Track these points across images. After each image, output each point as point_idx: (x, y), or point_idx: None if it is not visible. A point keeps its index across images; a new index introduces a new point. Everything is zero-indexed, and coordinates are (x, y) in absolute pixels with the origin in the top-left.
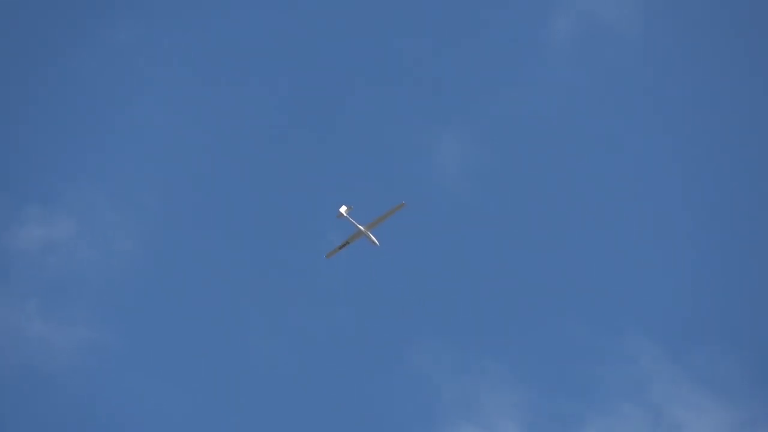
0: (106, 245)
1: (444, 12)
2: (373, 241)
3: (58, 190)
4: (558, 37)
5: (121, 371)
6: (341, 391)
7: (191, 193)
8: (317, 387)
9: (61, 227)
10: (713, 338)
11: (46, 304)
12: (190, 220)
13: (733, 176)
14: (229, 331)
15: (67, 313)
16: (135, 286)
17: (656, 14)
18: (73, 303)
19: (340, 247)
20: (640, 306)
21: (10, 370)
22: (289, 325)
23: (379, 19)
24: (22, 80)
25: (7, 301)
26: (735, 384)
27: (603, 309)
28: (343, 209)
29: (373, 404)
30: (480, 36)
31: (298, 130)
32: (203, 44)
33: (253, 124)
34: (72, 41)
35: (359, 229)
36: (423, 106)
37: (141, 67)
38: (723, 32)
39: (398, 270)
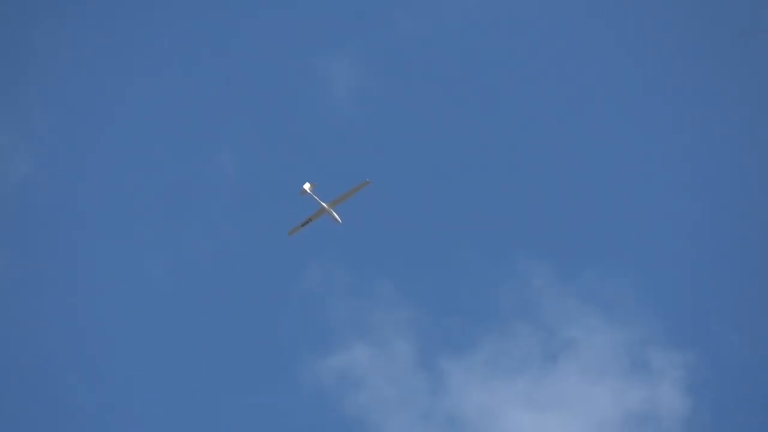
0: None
1: None
2: (336, 219)
3: None
4: None
5: (12, 296)
6: (233, 312)
7: (83, 114)
8: (210, 307)
9: None
10: (604, 259)
11: None
12: (86, 144)
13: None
14: (123, 254)
15: None
16: (29, 211)
17: None
18: None
19: (303, 225)
20: (531, 227)
21: None
22: (180, 243)
23: None
24: None
25: None
26: (626, 304)
27: (495, 231)
28: (306, 186)
29: (266, 325)
30: None
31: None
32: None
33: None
34: None
35: (322, 207)
36: (314, 30)
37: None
38: None
39: (291, 191)
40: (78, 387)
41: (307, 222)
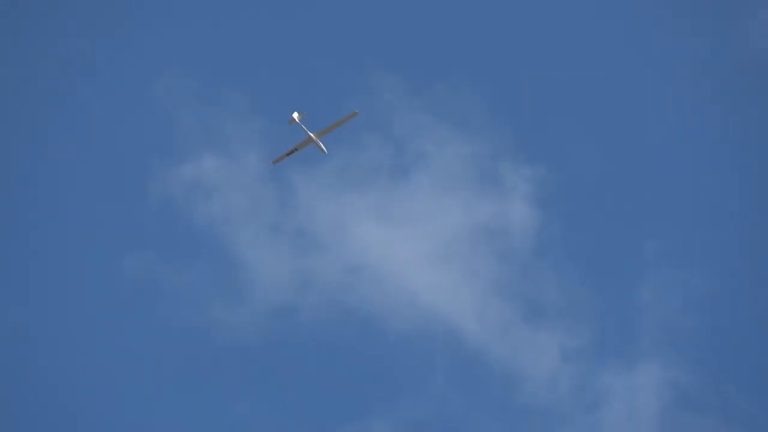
0: None
1: None
2: (322, 149)
3: None
4: None
5: None
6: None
7: None
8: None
9: None
10: (452, 71)
11: None
12: None
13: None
14: None
15: None
16: None
17: None
18: None
19: (288, 154)
20: (383, 40)
21: None
22: (27, 53)
23: None
24: None
25: None
26: (476, 117)
27: (347, 43)
28: (295, 115)
29: (116, 139)
30: None
31: None
32: None
33: None
34: None
35: (309, 136)
36: None
37: None
38: None
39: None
40: None
41: (292, 151)
